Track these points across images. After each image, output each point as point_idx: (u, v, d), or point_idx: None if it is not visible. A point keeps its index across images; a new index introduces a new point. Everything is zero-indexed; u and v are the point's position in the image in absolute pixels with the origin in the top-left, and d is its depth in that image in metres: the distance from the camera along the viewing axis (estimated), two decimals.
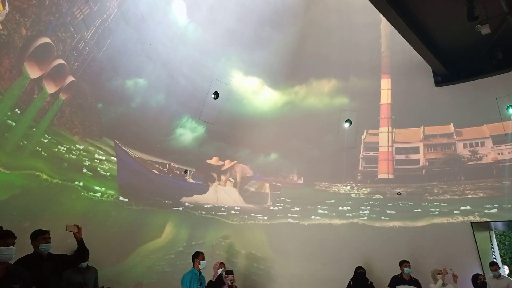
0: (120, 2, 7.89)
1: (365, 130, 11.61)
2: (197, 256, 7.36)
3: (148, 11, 8.58)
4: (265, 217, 11.44)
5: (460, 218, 10.04)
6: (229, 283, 8.03)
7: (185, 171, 10.45)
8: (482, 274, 8.75)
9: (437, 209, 10.35)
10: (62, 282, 5.16)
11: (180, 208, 10.33)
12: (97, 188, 8.20)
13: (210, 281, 7.87)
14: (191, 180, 10.70)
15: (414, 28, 8.62)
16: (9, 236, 3.99)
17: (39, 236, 4.75)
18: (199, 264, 7.23)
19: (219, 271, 7.96)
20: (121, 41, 8.22)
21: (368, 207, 11.08)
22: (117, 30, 8.02)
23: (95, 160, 8.17)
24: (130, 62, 8.59)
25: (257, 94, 11.34)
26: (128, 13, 8.18)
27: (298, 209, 11.46)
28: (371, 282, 9.05)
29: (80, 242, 5.16)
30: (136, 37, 8.53)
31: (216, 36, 10.12)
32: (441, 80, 10.58)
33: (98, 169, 8.25)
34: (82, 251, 5.20)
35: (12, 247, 3.98)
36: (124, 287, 8.57)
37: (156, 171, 9.89)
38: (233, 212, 11.24)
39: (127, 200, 8.96)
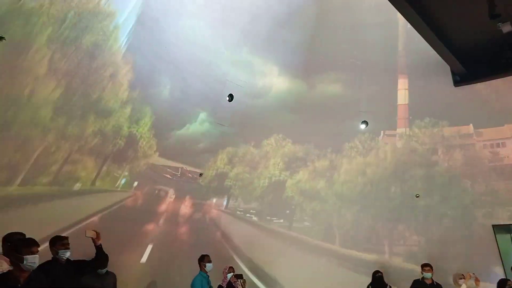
0: (134, 4, 7.86)
1: (382, 131, 11.36)
2: (203, 259, 7.38)
3: (162, 13, 8.56)
4: None
5: (482, 221, 9.77)
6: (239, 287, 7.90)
7: (200, 174, 10.43)
8: (510, 279, 8.48)
9: (458, 212, 10.06)
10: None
11: None
12: None
13: (220, 285, 7.77)
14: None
15: (432, 26, 8.49)
16: (34, 244, 3.95)
17: (58, 242, 4.73)
18: (205, 266, 7.20)
19: (229, 275, 7.84)
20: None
21: None
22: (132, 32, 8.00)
23: None
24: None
25: (269, 94, 11.26)
26: (143, 15, 8.15)
27: None
28: (390, 286, 8.90)
29: (98, 247, 5.13)
30: (149, 39, 8.50)
31: (229, 37, 10.05)
32: (459, 79, 10.36)
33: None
34: (100, 257, 5.16)
35: (37, 255, 3.93)
36: None
37: (168, 176, 9.87)
38: None
39: None
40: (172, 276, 9.30)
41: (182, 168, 10.29)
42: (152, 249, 9.34)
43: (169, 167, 10.03)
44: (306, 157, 11.63)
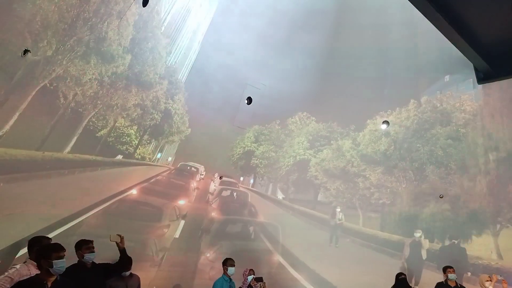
0: (156, 10, 7.99)
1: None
2: (226, 262, 7.33)
3: (181, 19, 8.70)
4: None
5: (504, 223, 9.84)
6: None
7: (220, 177, 10.56)
8: None
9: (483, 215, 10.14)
10: None
11: None
12: None
13: None
14: None
15: (454, 24, 8.06)
16: (61, 250, 3.97)
17: (84, 246, 4.77)
18: (227, 270, 7.18)
19: (249, 278, 7.80)
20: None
21: None
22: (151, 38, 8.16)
23: None
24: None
25: (289, 98, 11.39)
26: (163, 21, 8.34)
27: None
28: None
29: (122, 251, 5.23)
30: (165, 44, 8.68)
31: (248, 40, 10.18)
32: (483, 77, 10.28)
33: None
34: (124, 260, 5.26)
35: (64, 260, 4.01)
36: None
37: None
38: None
39: None
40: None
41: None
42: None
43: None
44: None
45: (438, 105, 11.01)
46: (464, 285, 7.90)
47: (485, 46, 9.05)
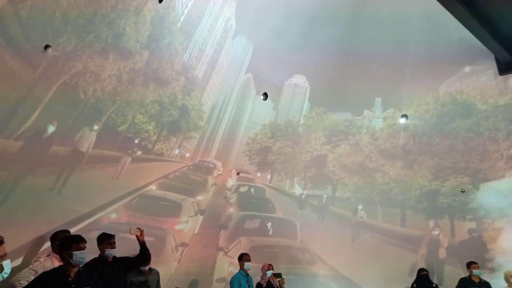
0: (171, 7, 8.05)
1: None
2: (242, 258, 7.27)
3: (197, 16, 8.75)
4: None
5: None
6: (278, 285, 7.80)
7: (238, 173, 10.60)
8: None
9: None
10: (126, 284, 5.26)
11: None
12: None
13: (259, 283, 7.75)
14: None
15: (475, 13, 7.90)
16: (82, 241, 3.98)
17: (105, 240, 4.81)
18: (244, 266, 7.16)
19: (268, 273, 7.76)
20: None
21: None
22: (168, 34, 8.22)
23: None
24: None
25: (305, 93, 11.34)
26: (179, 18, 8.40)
27: None
28: (436, 284, 8.59)
29: (142, 244, 5.22)
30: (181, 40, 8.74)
31: (264, 36, 10.16)
32: (505, 68, 10.00)
33: None
34: (144, 254, 5.24)
35: (84, 251, 4.00)
36: None
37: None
38: None
39: None
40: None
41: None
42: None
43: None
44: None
45: (458, 97, 10.79)
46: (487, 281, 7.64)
47: (507, 36, 8.75)
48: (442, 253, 9.73)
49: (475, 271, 7.53)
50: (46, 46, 5.44)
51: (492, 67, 10.17)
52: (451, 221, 9.96)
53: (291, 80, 12.08)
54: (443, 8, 7.69)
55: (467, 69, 10.89)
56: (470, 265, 7.70)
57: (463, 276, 7.85)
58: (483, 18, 8.06)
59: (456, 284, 7.75)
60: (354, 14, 10.86)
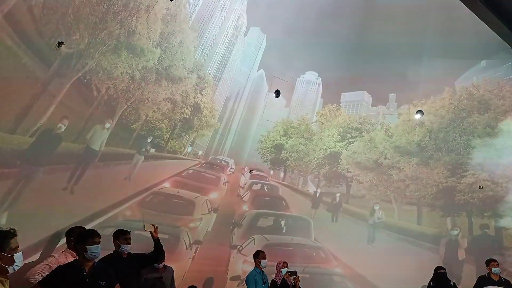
0: (183, 5, 8.07)
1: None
2: (258, 255, 7.24)
3: (208, 13, 8.76)
4: None
5: None
6: (292, 283, 7.71)
7: (251, 171, 10.57)
8: None
9: None
10: (141, 280, 5.26)
11: None
12: None
13: (273, 280, 7.68)
14: None
15: (491, 5, 7.82)
16: (96, 235, 4.05)
17: (121, 236, 4.82)
18: (260, 263, 7.10)
19: (283, 270, 7.68)
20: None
21: None
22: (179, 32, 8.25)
23: None
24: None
25: (317, 90, 11.26)
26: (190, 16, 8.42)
27: None
28: (453, 282, 8.42)
29: (156, 240, 5.23)
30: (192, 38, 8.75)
31: (276, 32, 10.13)
32: None
33: None
34: (158, 251, 5.24)
35: (99, 245, 4.06)
36: None
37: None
38: None
39: None
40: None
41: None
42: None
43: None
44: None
45: (475, 92, 10.56)
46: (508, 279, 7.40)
47: None
48: (461, 254, 9.53)
49: (494, 269, 7.22)
50: (59, 43, 5.50)
51: (510, 60, 9.97)
52: (469, 219, 9.75)
53: (303, 77, 12.04)
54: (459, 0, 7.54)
55: (483, 63, 10.67)
56: (489, 262, 7.39)
57: (481, 274, 7.57)
58: (500, 10, 7.79)
59: (474, 283, 7.49)
60: (367, 7, 10.74)
